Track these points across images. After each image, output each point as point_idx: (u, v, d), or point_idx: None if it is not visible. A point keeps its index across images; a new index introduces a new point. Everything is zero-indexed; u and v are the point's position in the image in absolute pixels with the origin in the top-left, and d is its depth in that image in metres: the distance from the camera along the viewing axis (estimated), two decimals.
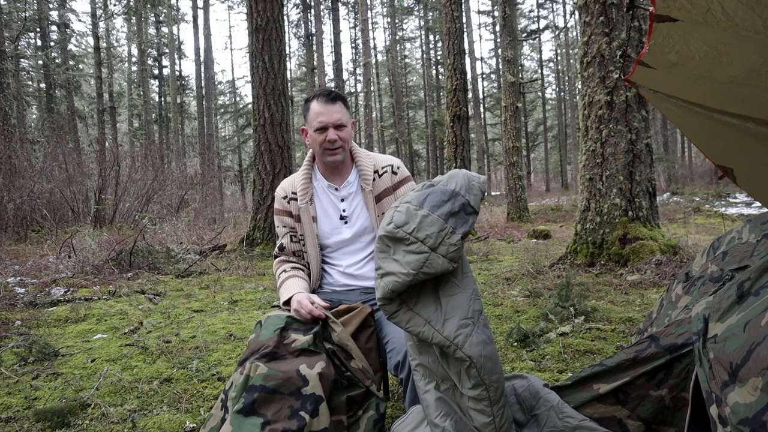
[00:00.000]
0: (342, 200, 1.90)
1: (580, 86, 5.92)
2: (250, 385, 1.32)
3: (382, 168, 1.91)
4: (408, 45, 36.89)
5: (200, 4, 25.11)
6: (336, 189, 1.90)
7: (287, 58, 23.13)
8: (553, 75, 35.63)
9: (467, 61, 16.20)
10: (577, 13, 13.25)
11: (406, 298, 1.36)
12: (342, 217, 1.90)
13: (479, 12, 35.68)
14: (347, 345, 1.59)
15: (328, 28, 30.37)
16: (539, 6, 34.04)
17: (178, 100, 27.88)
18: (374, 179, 1.89)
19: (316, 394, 1.31)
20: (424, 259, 1.28)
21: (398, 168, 1.92)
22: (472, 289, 1.38)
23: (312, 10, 26.38)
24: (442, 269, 1.31)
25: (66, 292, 4.85)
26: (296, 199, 1.90)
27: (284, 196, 1.92)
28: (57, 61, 22.92)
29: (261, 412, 1.25)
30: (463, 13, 14.61)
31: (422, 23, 33.34)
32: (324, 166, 1.91)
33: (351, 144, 1.93)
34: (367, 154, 1.96)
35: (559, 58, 34.94)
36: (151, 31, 28.94)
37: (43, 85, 22.24)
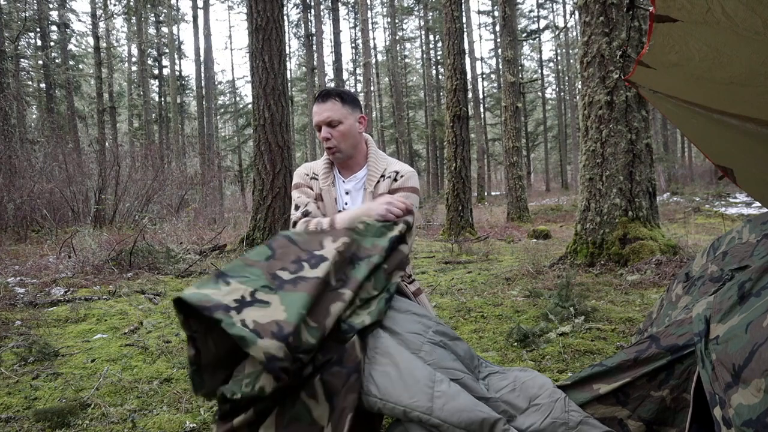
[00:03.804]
0: (346, 193, 1.94)
1: (580, 86, 5.91)
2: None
3: (389, 173, 1.92)
4: (408, 45, 36.88)
5: (200, 4, 25.10)
6: (343, 181, 1.96)
7: (287, 58, 23.13)
8: (553, 75, 35.63)
9: (467, 61, 16.18)
10: (577, 13, 13.24)
11: None
12: (343, 209, 1.93)
13: (479, 12, 35.66)
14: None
15: (328, 28, 30.39)
16: (539, 6, 34.03)
17: (178, 100, 27.87)
18: (378, 181, 1.91)
19: (325, 256, 1.35)
20: None
21: (401, 176, 1.88)
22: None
23: (312, 10, 26.37)
24: None
25: (66, 292, 4.84)
26: (317, 179, 1.95)
27: (306, 173, 1.98)
28: (57, 61, 22.89)
29: (273, 246, 1.35)
30: (463, 13, 14.59)
31: (422, 23, 33.32)
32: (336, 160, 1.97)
33: (370, 144, 1.97)
34: (383, 157, 1.96)
35: (559, 58, 34.93)
36: (151, 31, 28.92)
37: (43, 85, 22.20)
